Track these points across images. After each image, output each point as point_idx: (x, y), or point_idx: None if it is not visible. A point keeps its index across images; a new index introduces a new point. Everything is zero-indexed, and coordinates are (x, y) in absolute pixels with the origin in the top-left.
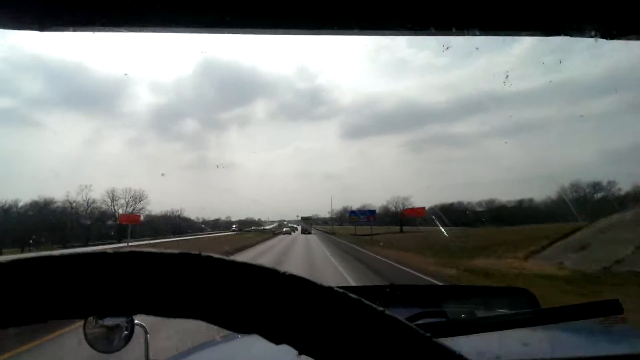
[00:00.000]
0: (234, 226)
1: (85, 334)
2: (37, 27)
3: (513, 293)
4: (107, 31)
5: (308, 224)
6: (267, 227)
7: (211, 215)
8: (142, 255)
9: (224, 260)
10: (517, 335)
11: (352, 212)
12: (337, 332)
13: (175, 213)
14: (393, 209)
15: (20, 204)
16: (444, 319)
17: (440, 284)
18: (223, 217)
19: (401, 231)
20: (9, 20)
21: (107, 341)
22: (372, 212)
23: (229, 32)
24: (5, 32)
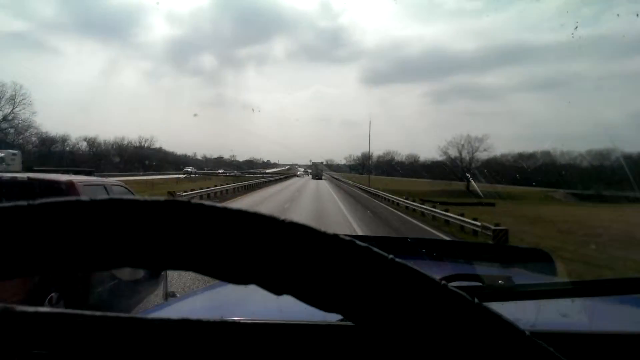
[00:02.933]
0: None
1: None
2: None
3: (532, 253)
4: None
5: (319, 169)
6: (267, 172)
7: (214, 153)
8: (124, 203)
9: (216, 207)
10: (555, 305)
11: None
12: (344, 283)
13: (143, 142)
14: (457, 154)
15: None
16: (479, 284)
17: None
18: (226, 156)
19: (468, 189)
20: None
21: (131, 270)
22: None
23: None
24: None
